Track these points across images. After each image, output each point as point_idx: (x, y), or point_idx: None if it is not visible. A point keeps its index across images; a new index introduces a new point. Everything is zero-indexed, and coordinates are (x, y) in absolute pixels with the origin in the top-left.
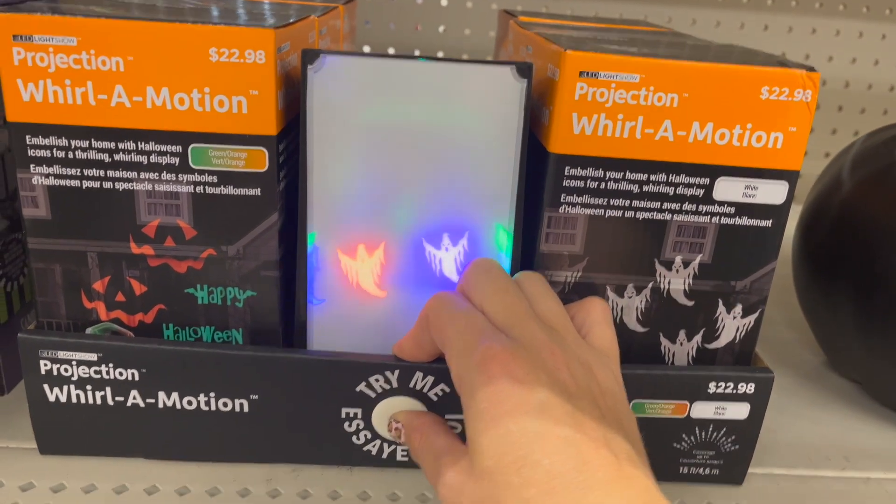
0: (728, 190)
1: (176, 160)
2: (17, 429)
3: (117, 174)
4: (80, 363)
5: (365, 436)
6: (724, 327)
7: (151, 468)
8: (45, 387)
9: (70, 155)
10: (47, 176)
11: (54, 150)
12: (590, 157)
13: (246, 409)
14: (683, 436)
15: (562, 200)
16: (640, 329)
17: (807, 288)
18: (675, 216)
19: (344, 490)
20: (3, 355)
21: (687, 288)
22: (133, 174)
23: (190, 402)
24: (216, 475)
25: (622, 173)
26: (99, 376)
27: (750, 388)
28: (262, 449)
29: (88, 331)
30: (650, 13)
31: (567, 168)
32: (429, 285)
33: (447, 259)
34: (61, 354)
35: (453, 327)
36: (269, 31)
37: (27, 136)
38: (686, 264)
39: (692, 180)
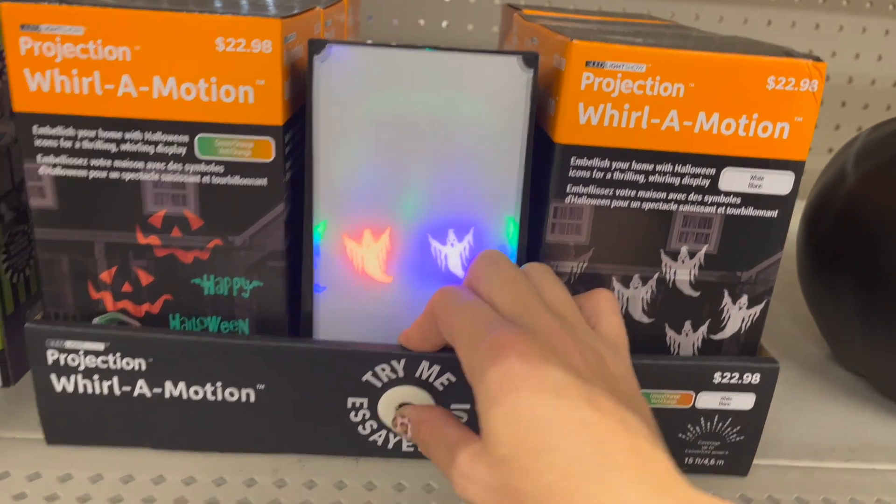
0: (734, 180)
1: (182, 150)
2: (23, 419)
3: (124, 164)
4: (86, 353)
5: (371, 426)
6: (729, 318)
7: (158, 458)
8: (52, 377)
9: (77, 145)
10: (54, 166)
11: (61, 139)
12: (596, 147)
13: (252, 398)
14: (689, 426)
15: (567, 191)
16: (645, 320)
17: (811, 281)
18: (680, 206)
19: (350, 480)
20: (9, 346)
21: (692, 278)
22: (140, 164)
23: (196, 392)
24: (222, 465)
25: (628, 163)
26: (106, 366)
27: (755, 378)
28: (269, 439)
29: (95, 321)
30: (653, 8)
31: (573, 158)
32: (435, 273)
33: (452, 255)
34: (68, 344)
35: (461, 319)
36: (276, 20)
37: (34, 126)
38: (692, 255)
39: (698, 170)
